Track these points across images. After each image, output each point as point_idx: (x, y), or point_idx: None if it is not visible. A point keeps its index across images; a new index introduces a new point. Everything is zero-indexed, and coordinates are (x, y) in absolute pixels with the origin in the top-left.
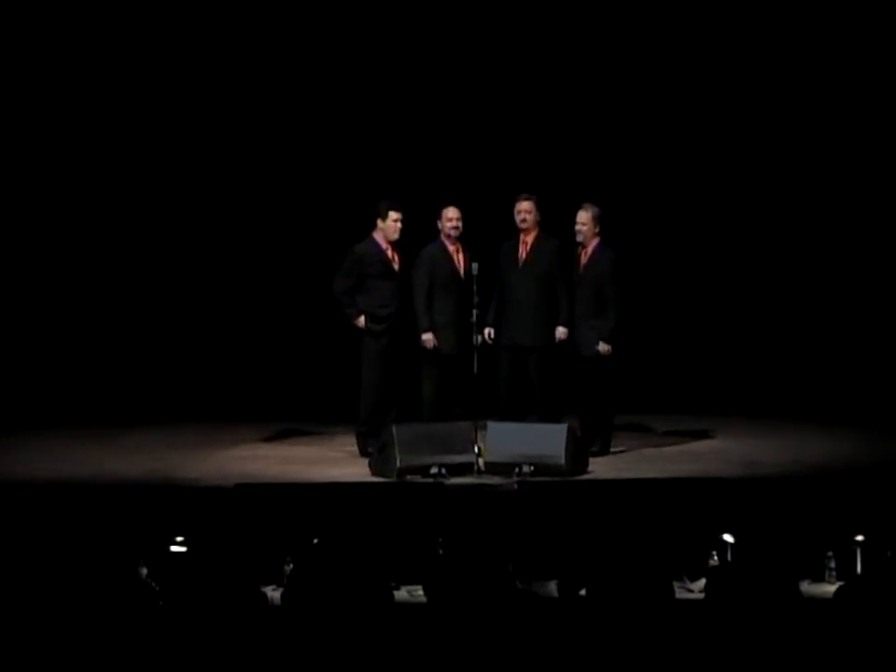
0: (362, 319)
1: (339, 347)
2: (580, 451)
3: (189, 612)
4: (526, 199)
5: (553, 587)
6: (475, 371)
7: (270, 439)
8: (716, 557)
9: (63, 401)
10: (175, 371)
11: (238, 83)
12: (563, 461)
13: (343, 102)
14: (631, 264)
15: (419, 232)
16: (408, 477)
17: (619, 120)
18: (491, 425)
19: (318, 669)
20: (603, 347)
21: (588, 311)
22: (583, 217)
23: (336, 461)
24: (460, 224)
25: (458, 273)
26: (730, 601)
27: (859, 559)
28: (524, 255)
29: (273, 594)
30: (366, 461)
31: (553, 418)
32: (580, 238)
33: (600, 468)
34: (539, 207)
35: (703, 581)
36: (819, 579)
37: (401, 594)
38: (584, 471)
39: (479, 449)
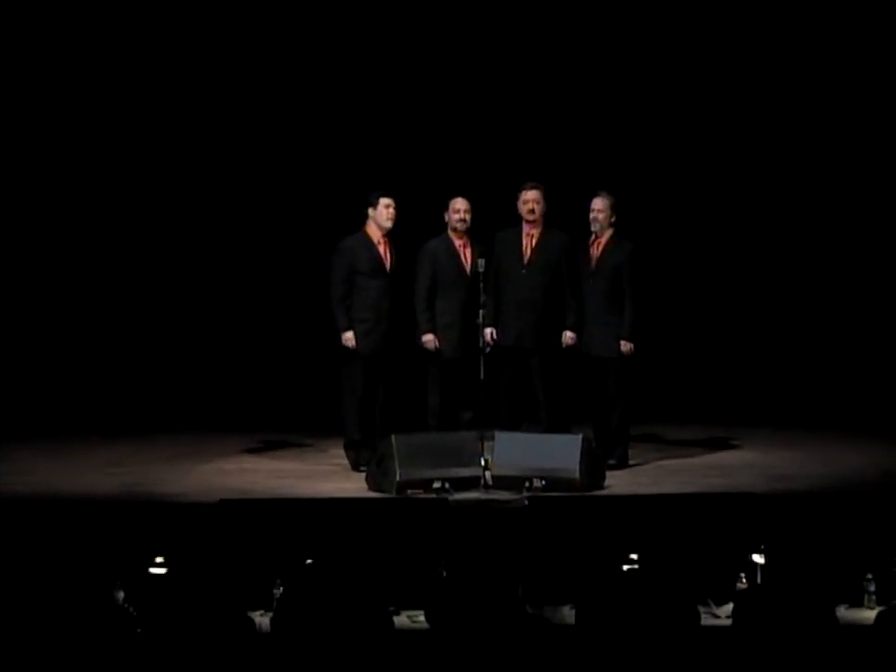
0: (350, 335)
1: (331, 353)
2: (595, 463)
3: (170, 640)
4: (534, 187)
5: (566, 612)
6: (482, 376)
7: (257, 451)
8: (744, 580)
9: (35, 412)
10: (156, 379)
11: (227, 67)
12: (577, 475)
13: (335, 85)
14: (648, 259)
15: (422, 228)
16: (408, 492)
17: (626, 104)
18: (499, 435)
19: None
20: (625, 346)
21: (601, 307)
22: (600, 205)
23: (329, 475)
24: (468, 217)
25: (464, 269)
26: (759, 627)
27: None
28: (529, 250)
29: (262, 619)
30: (361, 475)
31: (561, 428)
32: (594, 227)
33: (618, 482)
34: (546, 198)
35: (730, 606)
36: (857, 603)
37: (401, 619)
38: (601, 486)
39: (486, 461)
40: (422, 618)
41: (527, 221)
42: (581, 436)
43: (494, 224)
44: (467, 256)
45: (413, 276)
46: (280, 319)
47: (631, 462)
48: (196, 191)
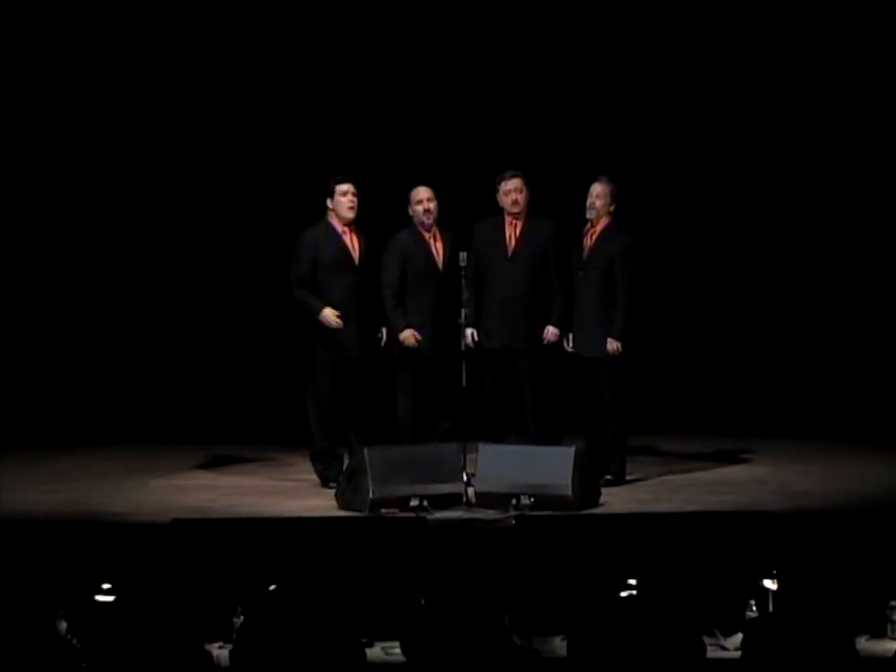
0: (328, 312)
1: (295, 358)
2: (590, 479)
3: None
4: (514, 176)
5: (558, 644)
6: (464, 381)
7: (215, 465)
8: (754, 608)
9: None
10: (102, 386)
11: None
12: (569, 491)
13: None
14: (645, 250)
15: (391, 221)
16: (383, 510)
17: (622, 76)
18: (482, 447)
19: None
20: (612, 345)
21: (594, 301)
22: (599, 191)
23: (295, 492)
24: (433, 206)
25: (436, 264)
26: (771, 661)
27: None
28: (513, 242)
29: (220, 652)
30: (331, 492)
31: (551, 439)
32: (591, 215)
33: (614, 499)
34: (528, 185)
35: (739, 637)
36: (879, 634)
37: (375, 651)
38: (595, 504)
39: (468, 476)
40: (398, 650)
41: (511, 214)
42: (573, 448)
43: (468, 212)
44: (438, 249)
45: (380, 270)
46: (240, 320)
47: (629, 477)
48: (137, 190)
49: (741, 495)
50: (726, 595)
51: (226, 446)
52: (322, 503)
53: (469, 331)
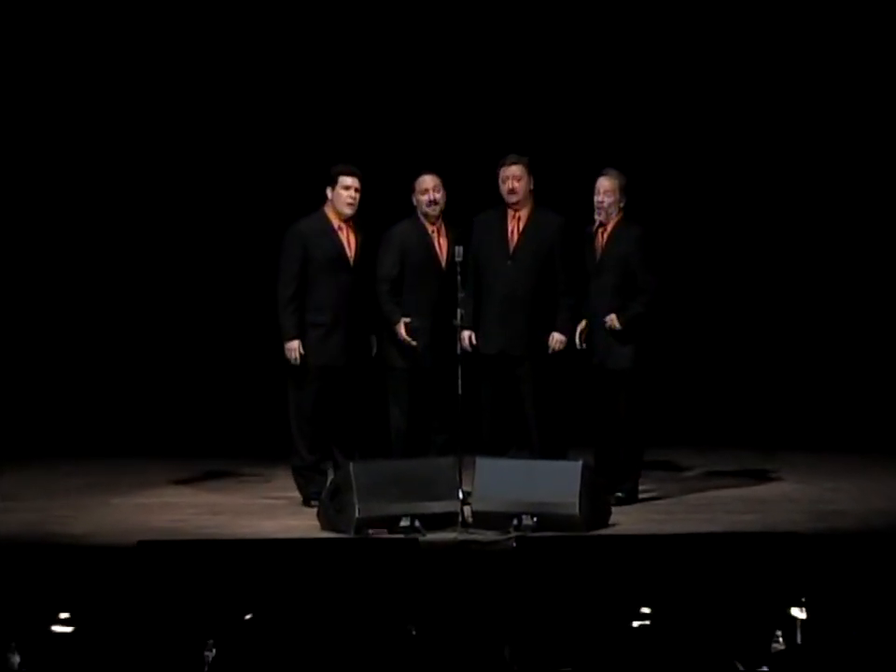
0: (294, 345)
1: (275, 367)
2: (599, 496)
3: None
4: (515, 162)
5: None
6: (460, 389)
7: (185, 482)
8: (781, 639)
9: None
10: (62, 397)
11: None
12: (577, 510)
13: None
14: (660, 245)
15: (393, 212)
16: (370, 531)
17: (631, 61)
18: (480, 462)
19: None
20: (614, 322)
21: (610, 306)
22: (607, 186)
23: (273, 510)
24: (439, 196)
25: (438, 260)
26: None
27: None
28: (515, 236)
29: None
30: (313, 511)
31: (556, 453)
32: (601, 216)
33: (626, 518)
34: (532, 172)
35: (765, 671)
36: None
37: None
38: (605, 524)
39: (464, 494)
40: None
41: (509, 203)
42: (580, 463)
43: (473, 205)
44: (441, 244)
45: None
46: (216, 324)
47: (642, 495)
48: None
49: (766, 514)
50: (749, 626)
51: (198, 460)
52: (303, 523)
53: (465, 334)
